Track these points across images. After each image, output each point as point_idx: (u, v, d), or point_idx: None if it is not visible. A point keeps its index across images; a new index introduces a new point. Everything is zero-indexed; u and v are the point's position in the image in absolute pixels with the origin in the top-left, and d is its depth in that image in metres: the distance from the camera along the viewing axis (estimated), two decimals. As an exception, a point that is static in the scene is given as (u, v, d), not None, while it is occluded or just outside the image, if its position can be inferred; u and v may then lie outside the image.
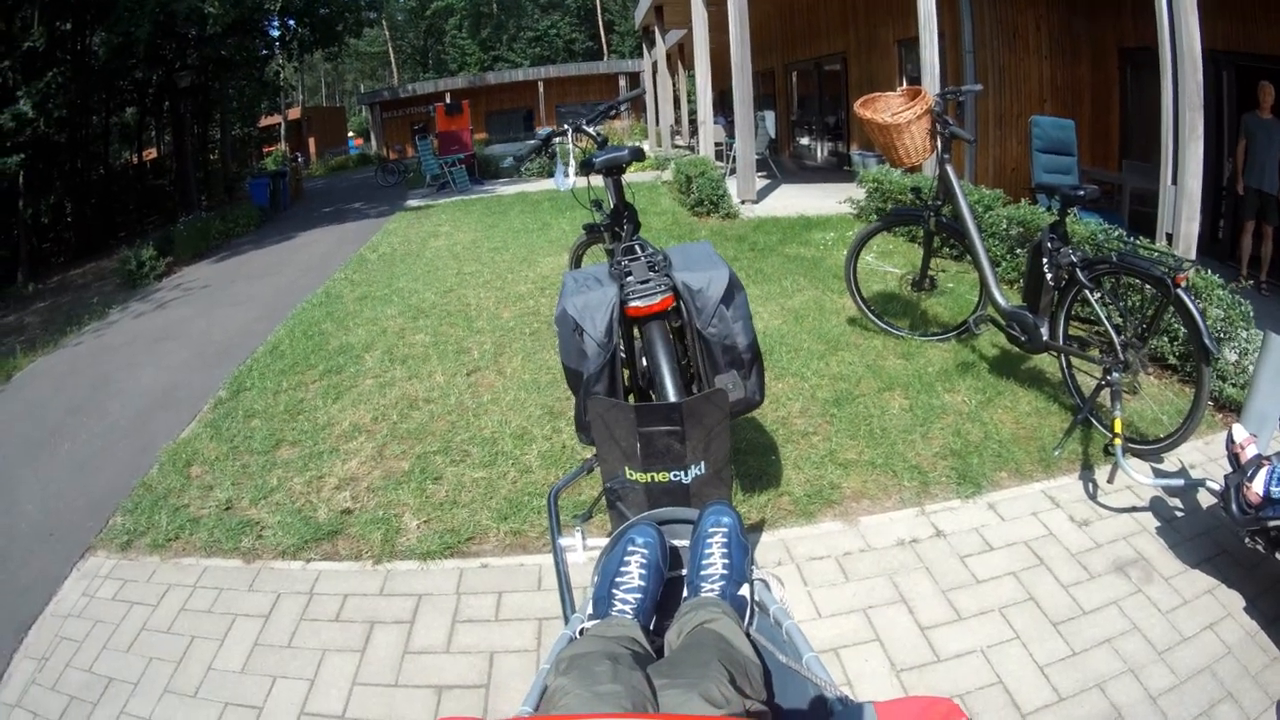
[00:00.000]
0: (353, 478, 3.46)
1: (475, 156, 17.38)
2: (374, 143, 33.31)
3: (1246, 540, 2.40)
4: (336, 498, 3.30)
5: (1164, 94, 4.85)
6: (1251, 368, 3.22)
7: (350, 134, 40.73)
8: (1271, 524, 2.26)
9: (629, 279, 2.19)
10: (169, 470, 3.84)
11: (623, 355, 2.21)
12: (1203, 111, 4.76)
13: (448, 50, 53.81)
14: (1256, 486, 2.33)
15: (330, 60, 37.37)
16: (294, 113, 37.68)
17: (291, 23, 18.92)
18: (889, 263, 6.01)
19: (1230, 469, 2.54)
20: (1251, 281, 4.49)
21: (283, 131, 35.24)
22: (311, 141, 35.72)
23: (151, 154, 21.81)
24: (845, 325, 4.72)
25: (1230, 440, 2.60)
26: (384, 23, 46.03)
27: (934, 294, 4.70)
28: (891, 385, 3.85)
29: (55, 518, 3.67)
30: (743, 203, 9.33)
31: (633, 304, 2.14)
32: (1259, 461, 2.42)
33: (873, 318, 4.62)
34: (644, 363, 2.32)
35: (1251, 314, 3.73)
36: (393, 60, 54.23)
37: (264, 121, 31.73)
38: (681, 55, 22.19)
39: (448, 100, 20.64)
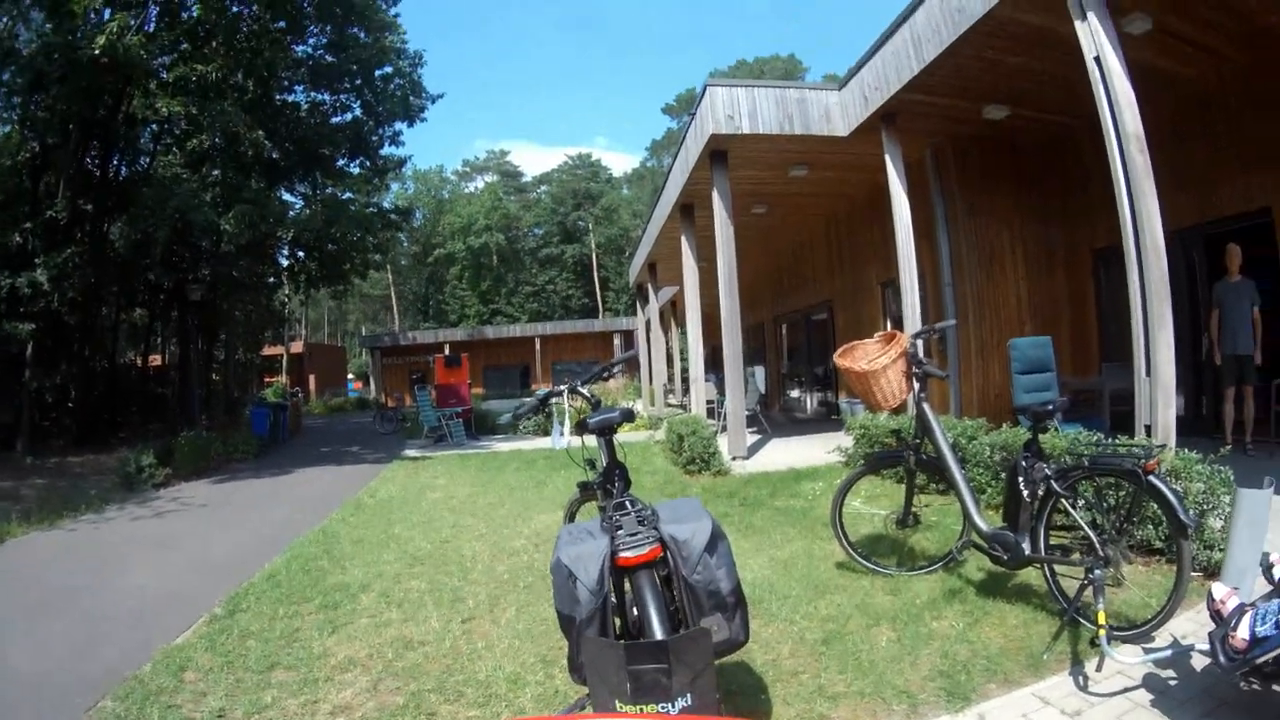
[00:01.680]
0: (347, 706, 3.57)
1: (472, 411, 18.00)
2: (373, 387, 34.39)
3: (1242, 684, 2.46)
4: (330, 723, 3.41)
5: (1131, 288, 5.00)
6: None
7: (350, 376, 42.29)
8: (1260, 660, 2.32)
9: (620, 532, 2.39)
10: (162, 670, 3.92)
11: (613, 602, 2.38)
12: (1170, 300, 4.91)
13: (448, 300, 56.28)
14: (1241, 633, 2.38)
15: (335, 298, 39.58)
16: (297, 346, 39.24)
17: (301, 254, 19.58)
18: (875, 505, 6.21)
19: (1215, 626, 2.60)
20: (1229, 447, 4.56)
21: (284, 364, 36.57)
22: (312, 378, 36.97)
23: (156, 360, 22.61)
24: (834, 570, 4.88)
25: (1210, 599, 2.65)
26: (388, 267, 48.83)
27: (919, 529, 4.87)
28: (879, 620, 3.99)
29: (44, 688, 3.75)
30: (734, 459, 9.63)
31: (623, 554, 2.33)
32: (1241, 610, 2.46)
33: (860, 559, 4.73)
34: (634, 612, 2.50)
35: (1232, 478, 3.84)
36: (394, 305, 56.98)
37: (267, 350, 33.14)
38: (674, 311, 23.39)
39: (447, 352, 21.84)
